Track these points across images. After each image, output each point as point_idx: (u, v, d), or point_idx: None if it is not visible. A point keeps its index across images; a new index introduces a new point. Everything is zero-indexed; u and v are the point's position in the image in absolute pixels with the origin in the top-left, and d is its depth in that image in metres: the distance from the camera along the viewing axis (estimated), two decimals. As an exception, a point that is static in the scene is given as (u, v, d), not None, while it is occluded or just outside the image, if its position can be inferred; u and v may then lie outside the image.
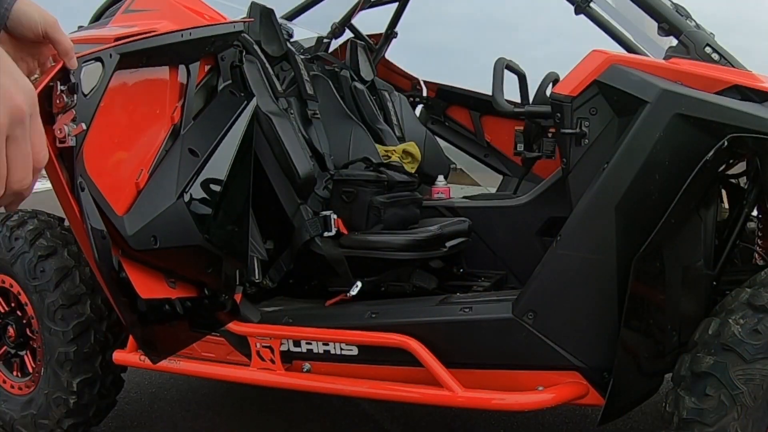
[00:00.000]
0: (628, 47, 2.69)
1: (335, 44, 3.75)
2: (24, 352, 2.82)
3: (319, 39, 3.70)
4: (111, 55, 1.79)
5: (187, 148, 2.15)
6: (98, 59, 1.75)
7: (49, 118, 1.58)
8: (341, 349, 2.31)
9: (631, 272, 1.85)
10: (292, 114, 2.77)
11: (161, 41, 1.98)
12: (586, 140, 2.04)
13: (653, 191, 1.88)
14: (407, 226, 2.69)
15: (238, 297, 2.45)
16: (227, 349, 2.53)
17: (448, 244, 2.59)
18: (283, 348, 2.38)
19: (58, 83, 1.54)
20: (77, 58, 1.57)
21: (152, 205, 1.98)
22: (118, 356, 2.64)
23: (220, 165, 2.26)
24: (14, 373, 2.85)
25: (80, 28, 2.78)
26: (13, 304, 2.78)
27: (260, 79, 2.63)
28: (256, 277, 2.52)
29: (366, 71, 3.55)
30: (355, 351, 2.30)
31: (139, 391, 3.48)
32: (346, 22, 3.67)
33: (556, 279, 2.04)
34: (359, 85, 3.38)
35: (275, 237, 2.67)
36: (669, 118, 1.85)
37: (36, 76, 1.42)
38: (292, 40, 3.54)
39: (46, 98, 1.55)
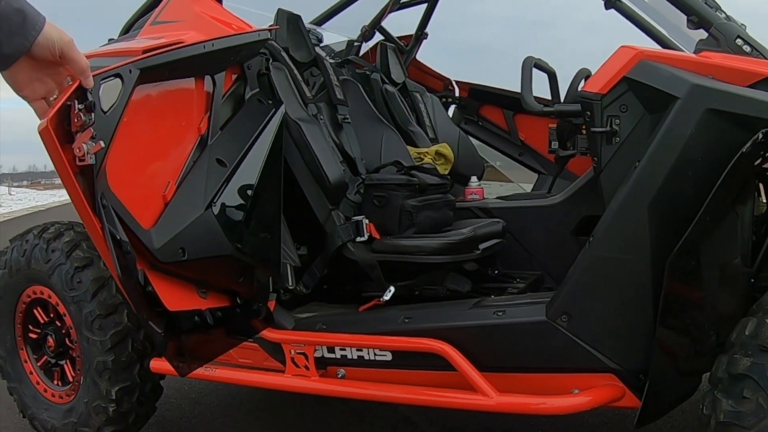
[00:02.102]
0: (661, 41, 2.63)
1: (366, 47, 3.75)
2: (64, 361, 2.87)
3: (350, 42, 3.71)
4: (130, 71, 1.80)
5: (215, 158, 2.16)
6: (117, 75, 1.76)
7: (68, 136, 1.60)
8: (375, 354, 2.30)
9: (665, 272, 1.80)
10: (321, 119, 2.77)
11: (182, 54, 1.99)
12: (617, 138, 2.00)
13: (687, 189, 1.83)
14: (441, 228, 2.66)
15: (271, 304, 2.46)
16: (263, 355, 2.53)
17: (482, 246, 2.56)
18: (318, 354, 2.38)
19: (76, 102, 1.55)
20: (96, 75, 1.59)
21: (180, 217, 1.99)
22: (156, 365, 2.67)
23: (249, 174, 2.27)
24: (55, 381, 2.91)
25: (110, 41, 2.83)
26: (52, 315, 2.83)
27: (288, 86, 2.63)
28: (290, 284, 2.53)
29: (397, 73, 3.54)
30: (389, 356, 2.28)
31: (179, 396, 3.53)
32: (375, 25, 3.67)
33: (589, 281, 2.00)
34: (390, 88, 3.37)
35: (309, 243, 2.68)
36: (700, 113, 1.80)
37: (55, 96, 1.44)
38: (322, 44, 3.55)
39: (64, 117, 1.57)
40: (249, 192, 2.26)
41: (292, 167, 2.55)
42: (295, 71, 2.76)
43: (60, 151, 1.58)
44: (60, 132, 1.57)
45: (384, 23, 3.74)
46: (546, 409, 2.06)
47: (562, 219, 2.67)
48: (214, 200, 2.10)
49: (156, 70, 1.92)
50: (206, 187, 2.09)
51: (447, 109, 3.86)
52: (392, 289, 2.44)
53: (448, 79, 3.99)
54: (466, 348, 2.14)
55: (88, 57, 2.72)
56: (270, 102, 2.50)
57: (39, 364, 2.93)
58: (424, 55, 4.06)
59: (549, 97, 2.73)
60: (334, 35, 3.73)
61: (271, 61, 2.61)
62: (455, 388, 2.16)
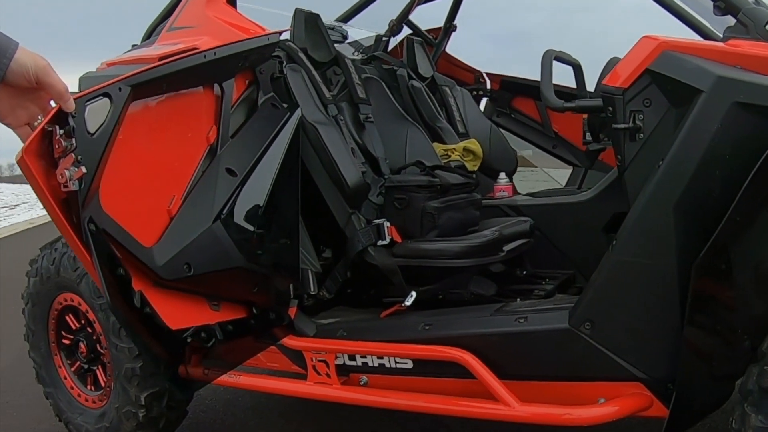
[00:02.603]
0: (698, 29, 2.49)
1: (394, 42, 3.67)
2: (96, 366, 2.88)
3: (378, 37, 3.64)
4: (120, 89, 1.75)
5: (224, 168, 2.12)
6: (105, 95, 1.71)
7: (53, 162, 1.56)
8: (396, 362, 2.24)
9: (692, 275, 1.69)
10: (342, 120, 2.71)
11: (179, 66, 1.94)
12: (641, 135, 1.89)
13: (714, 188, 1.71)
14: (466, 229, 2.58)
15: (292, 311, 2.42)
16: (289, 360, 2.50)
17: (508, 247, 2.47)
18: (339, 362, 2.33)
19: (57, 127, 1.52)
20: (80, 96, 1.55)
21: (185, 231, 1.94)
22: (183, 370, 2.66)
23: (261, 181, 2.22)
24: (88, 386, 2.93)
25: (134, 46, 2.82)
26: (83, 322, 2.85)
27: (305, 88, 2.58)
28: (312, 290, 2.49)
29: (424, 68, 3.45)
30: (409, 364, 2.22)
31: (214, 398, 3.53)
32: (403, 19, 3.60)
33: (613, 287, 1.89)
34: (417, 83, 3.29)
35: (333, 246, 2.63)
36: (727, 107, 1.67)
37: (38, 121, 1.41)
38: (349, 41, 3.48)
39: (47, 143, 1.53)
40: (262, 200, 2.21)
41: (311, 171, 2.49)
42: (314, 72, 2.70)
43: (38, 180, 1.55)
44: (43, 159, 1.54)
45: (412, 16, 3.65)
46: (571, 420, 1.97)
47: (592, 216, 2.56)
48: (223, 211, 2.05)
49: (150, 84, 1.87)
50: (214, 198, 2.05)
51: (478, 102, 3.76)
52: (414, 294, 2.37)
53: (479, 72, 3.88)
54: (487, 356, 2.06)
55: (109, 65, 2.71)
56: (285, 106, 2.44)
57: (72, 369, 2.95)
58: (466, 45, 3.97)
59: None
60: (362, 31, 3.66)
61: (285, 63, 2.55)
62: (477, 397, 2.09)
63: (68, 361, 2.96)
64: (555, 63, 2.34)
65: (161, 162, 1.98)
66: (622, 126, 1.89)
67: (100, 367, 2.88)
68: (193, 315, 2.00)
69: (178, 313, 1.94)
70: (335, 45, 3.16)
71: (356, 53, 3.64)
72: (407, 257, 2.40)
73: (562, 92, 2.31)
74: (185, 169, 2.04)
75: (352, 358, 2.31)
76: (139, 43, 2.85)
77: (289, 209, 2.38)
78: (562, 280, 2.64)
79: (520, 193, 3.29)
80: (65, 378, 2.96)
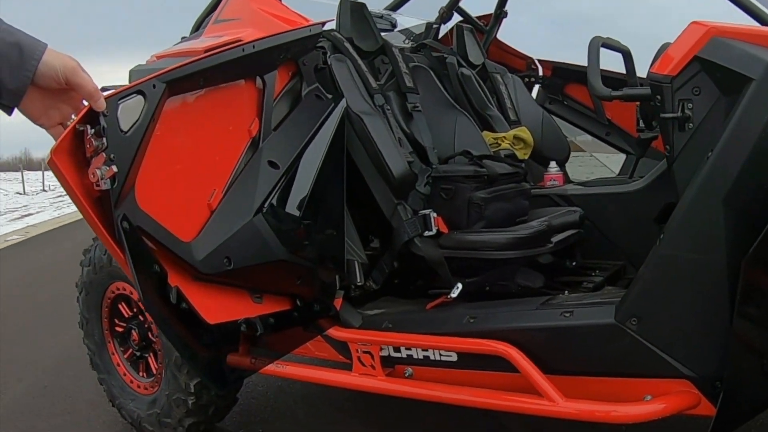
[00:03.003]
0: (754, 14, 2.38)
1: (445, 29, 3.63)
2: (148, 354, 2.95)
3: (428, 25, 3.60)
4: (154, 86, 1.74)
5: (267, 160, 2.12)
6: (139, 92, 1.71)
7: (86, 161, 1.58)
8: (440, 355, 2.22)
9: (742, 270, 1.63)
10: (389, 110, 2.69)
11: (217, 60, 1.94)
12: (691, 124, 1.82)
13: (765, 180, 1.64)
14: (515, 219, 2.54)
15: (338, 302, 2.43)
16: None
17: (556, 238, 2.42)
18: (384, 353, 2.33)
19: (88, 127, 1.53)
20: (113, 95, 1.56)
21: (225, 225, 1.95)
22: (232, 359, 2.69)
23: (305, 173, 2.22)
24: (140, 373, 3.00)
25: (183, 39, 2.85)
26: (135, 310, 2.92)
27: (350, 78, 2.57)
28: (358, 280, 2.49)
29: (475, 55, 3.41)
30: (454, 357, 2.20)
31: (266, 384, 3.58)
32: (453, 6, 3.55)
33: (660, 282, 1.84)
34: (466, 71, 3.24)
35: (379, 237, 2.62)
36: None
37: (71, 121, 1.43)
38: (400, 29, 3.46)
39: (80, 143, 1.55)
40: (306, 192, 2.21)
41: (356, 161, 2.49)
42: (360, 62, 2.69)
43: (68, 180, 1.56)
44: (73, 159, 1.55)
45: (462, 3, 3.60)
46: (617, 417, 1.92)
47: (644, 206, 2.48)
48: (264, 204, 2.05)
49: (186, 80, 1.87)
50: (256, 191, 2.05)
51: (530, 90, 3.70)
52: (460, 286, 2.34)
53: (531, 58, 3.81)
54: (531, 350, 2.02)
55: (158, 57, 2.75)
56: (330, 96, 2.44)
57: (125, 356, 3.03)
58: (521, 28, 3.90)
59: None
60: (412, 19, 3.63)
61: (329, 54, 2.55)
62: (522, 391, 2.06)
63: (121, 349, 3.04)
64: (604, 50, 2.27)
65: (201, 156, 1.98)
66: (671, 115, 1.83)
67: (151, 354, 2.95)
68: (233, 308, 2.00)
69: (216, 308, 1.95)
70: (384, 34, 3.14)
71: (407, 41, 3.62)
72: (453, 248, 2.38)
73: (613, 78, 2.25)
74: (226, 162, 2.04)
75: (396, 349, 2.31)
76: (188, 35, 2.88)
77: (335, 200, 2.37)
78: (612, 272, 2.58)
79: (573, 182, 3.23)
80: (118, 365, 3.04)
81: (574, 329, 1.97)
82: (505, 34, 3.91)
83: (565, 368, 2.01)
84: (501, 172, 2.53)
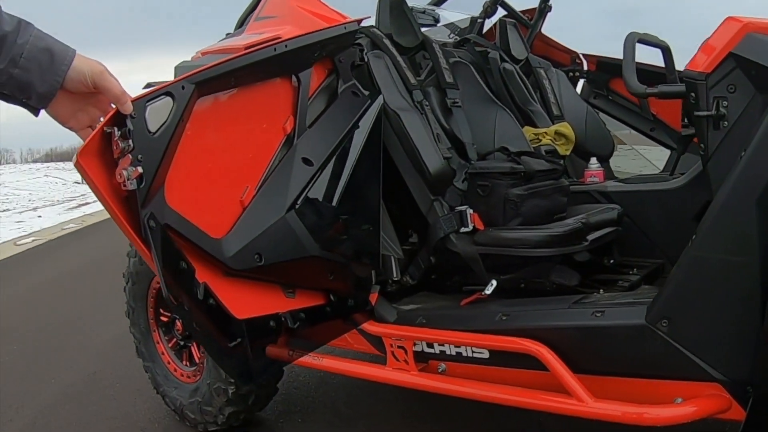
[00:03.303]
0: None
1: (490, 23, 3.61)
2: (191, 343, 3.02)
3: (473, 20, 3.59)
4: (183, 87, 1.77)
5: (301, 157, 2.14)
6: (168, 94, 1.74)
7: (114, 162, 1.62)
8: (472, 352, 2.23)
9: None
10: (427, 105, 2.70)
11: (247, 60, 1.96)
12: (725, 123, 1.78)
13: None
14: (552, 216, 2.53)
15: (374, 297, 2.45)
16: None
17: (593, 236, 2.40)
18: (417, 349, 2.35)
19: (115, 129, 1.57)
20: (141, 98, 1.60)
21: (257, 221, 1.97)
22: (271, 350, 2.74)
23: (340, 170, 2.24)
24: (183, 362, 3.08)
25: (227, 35, 2.90)
26: (179, 300, 2.99)
27: (388, 75, 2.58)
28: (395, 276, 2.51)
29: (518, 49, 3.38)
30: (486, 354, 2.21)
31: (307, 375, 3.64)
32: (497, 0, 3.52)
33: (691, 284, 1.80)
34: (509, 66, 3.22)
35: (417, 233, 2.63)
36: None
37: (98, 124, 1.48)
38: (444, 23, 3.46)
39: (108, 144, 1.59)
40: (340, 188, 2.23)
41: (394, 158, 2.51)
42: (398, 58, 2.70)
43: (94, 182, 1.59)
44: (100, 160, 1.59)
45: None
46: (647, 419, 1.89)
47: (683, 204, 2.44)
48: (298, 201, 2.08)
49: (216, 80, 1.90)
50: (289, 188, 2.08)
51: (575, 84, 3.65)
52: (494, 282, 2.35)
53: (576, 53, 3.76)
54: (562, 349, 2.01)
55: (203, 54, 2.80)
56: (367, 93, 2.46)
57: (169, 345, 3.11)
58: (575, 20, 3.85)
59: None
60: (456, 14, 3.62)
61: (366, 51, 2.56)
62: (553, 390, 2.05)
63: (166, 338, 3.12)
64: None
65: (233, 154, 2.01)
66: (705, 113, 1.80)
67: (194, 343, 3.01)
68: (263, 304, 2.03)
69: (246, 303, 1.98)
70: (427, 29, 3.15)
71: (452, 35, 3.61)
72: (488, 245, 2.38)
73: (655, 73, 2.21)
74: (260, 160, 2.07)
75: (430, 345, 2.32)
76: (232, 31, 2.93)
77: (371, 197, 2.39)
78: (650, 271, 2.54)
79: (617, 177, 3.19)
80: (162, 353, 3.12)
81: (604, 329, 1.96)
82: (557, 25, 3.87)
83: (596, 368, 2.00)
84: (538, 169, 2.51)
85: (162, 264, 1.65)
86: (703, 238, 1.77)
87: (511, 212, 2.43)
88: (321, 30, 2.24)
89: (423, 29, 3.23)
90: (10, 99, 1.33)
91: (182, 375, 3.07)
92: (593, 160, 2.96)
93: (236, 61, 1.92)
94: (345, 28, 2.32)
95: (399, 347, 2.38)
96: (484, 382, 2.23)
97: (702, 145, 1.85)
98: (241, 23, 2.93)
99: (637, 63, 2.30)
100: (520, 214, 2.42)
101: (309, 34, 2.18)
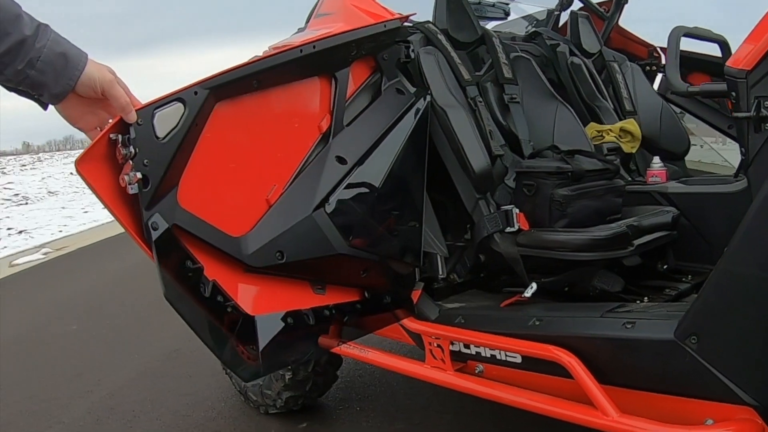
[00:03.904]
0: None
1: (566, 16, 3.50)
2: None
3: (550, 12, 3.49)
4: (196, 93, 1.79)
5: (335, 155, 2.14)
6: (179, 100, 1.76)
7: (119, 167, 1.66)
8: (506, 355, 2.18)
9: None
10: (481, 102, 2.64)
11: (269, 63, 1.96)
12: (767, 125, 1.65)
13: None
14: (605, 218, 2.43)
15: (416, 293, 2.43)
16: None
17: (640, 240, 2.29)
18: (455, 348, 2.32)
19: (120, 136, 1.61)
20: (149, 105, 1.65)
21: (281, 219, 1.98)
22: (322, 340, 2.78)
23: (376, 168, 2.23)
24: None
25: (299, 30, 2.94)
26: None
27: (438, 71, 2.55)
28: (440, 273, 2.48)
29: (590, 43, 3.26)
30: (518, 359, 2.15)
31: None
32: (573, -8, 3.40)
33: (722, 299, 1.68)
34: (577, 60, 3.11)
35: (465, 230, 2.60)
36: None
37: (106, 126, 1.54)
38: (520, 15, 3.39)
39: (113, 149, 1.63)
40: (376, 186, 2.21)
41: (441, 155, 2.48)
42: (452, 54, 2.65)
43: (93, 187, 1.63)
44: (101, 165, 1.63)
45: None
46: (676, 439, 1.80)
47: (746, 208, 2.28)
48: (327, 200, 2.08)
49: (234, 84, 1.90)
50: (318, 187, 2.08)
51: (652, 79, 3.47)
52: (534, 285, 2.29)
53: (653, 46, 3.57)
54: (590, 360, 1.94)
55: (274, 49, 2.86)
56: (413, 90, 2.44)
57: (236, 327, 3.19)
58: (684, 8, 3.66)
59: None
60: (532, 6, 3.53)
61: (420, 46, 2.54)
62: (580, 399, 1.98)
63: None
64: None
65: (261, 154, 2.02)
66: (744, 114, 1.67)
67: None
68: (286, 300, 2.04)
69: (261, 300, 1.99)
70: (500, 22, 3.09)
71: (529, 27, 3.52)
72: (529, 247, 2.31)
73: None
74: (291, 159, 2.08)
75: (467, 346, 2.29)
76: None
77: (412, 194, 2.37)
78: (705, 278, 2.40)
79: (691, 175, 3.03)
80: (231, 336, 3.21)
81: (633, 342, 1.86)
82: (669, 15, 3.69)
83: (625, 382, 1.91)
84: (588, 169, 2.41)
85: (162, 263, 1.69)
86: (735, 250, 1.65)
87: (556, 213, 2.35)
88: (354, 30, 2.23)
89: (494, 23, 3.17)
90: (23, 94, 1.42)
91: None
92: (656, 159, 2.82)
93: (257, 65, 1.93)
94: (384, 26, 2.30)
95: (437, 346, 2.35)
96: (516, 386, 2.18)
97: (743, 149, 1.72)
98: (308, 19, 2.97)
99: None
100: (566, 215, 2.34)
101: (340, 34, 2.18)
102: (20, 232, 12.08)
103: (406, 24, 2.67)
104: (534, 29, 3.33)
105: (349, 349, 2.67)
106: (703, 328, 1.71)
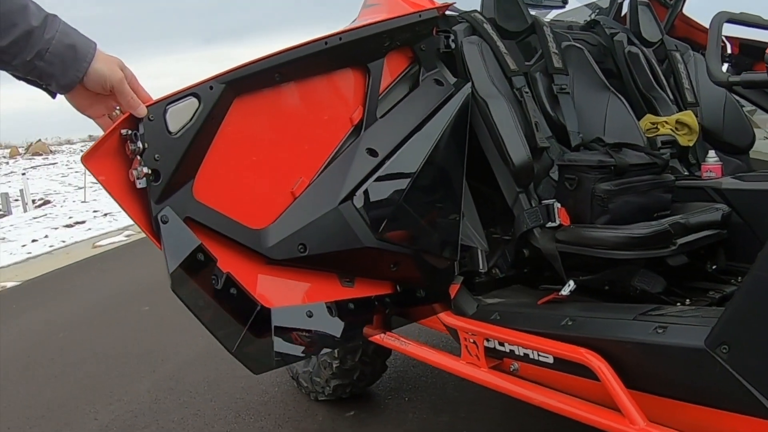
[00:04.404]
0: None
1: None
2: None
3: (612, 0, 3.36)
4: (211, 87, 1.78)
5: (366, 148, 2.11)
6: (193, 95, 1.75)
7: (129, 161, 1.67)
8: (538, 355, 2.13)
9: None
10: (527, 93, 2.56)
11: (292, 56, 1.93)
12: None
13: None
14: (651, 214, 2.33)
15: (454, 288, 2.40)
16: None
17: (685, 239, 2.18)
18: (489, 345, 2.28)
19: (129, 131, 1.62)
20: (160, 101, 1.66)
21: (305, 212, 1.96)
22: (366, 331, 2.77)
23: (409, 160, 2.19)
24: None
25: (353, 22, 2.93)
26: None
27: (481, 61, 2.48)
28: (481, 267, 2.44)
29: (650, 32, 3.12)
30: (550, 359, 2.09)
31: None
32: (635, -21, 3.26)
33: (754, 307, 1.58)
34: (634, 49, 2.99)
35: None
36: None
37: (117, 112, 1.56)
38: (583, 3, 3.29)
39: (121, 144, 1.64)
40: (408, 179, 2.17)
41: (483, 147, 2.42)
42: (498, 43, 2.58)
43: (100, 181, 1.66)
44: (110, 160, 1.65)
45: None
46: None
47: None
48: (355, 192, 2.05)
49: (254, 78, 1.88)
50: (346, 180, 2.05)
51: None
52: (571, 284, 2.22)
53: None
54: (620, 364, 1.87)
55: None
56: (452, 81, 2.39)
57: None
58: None
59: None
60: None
61: (453, 37, 2.48)
62: (610, 404, 1.91)
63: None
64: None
65: (287, 146, 2.00)
66: None
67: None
68: (309, 292, 2.03)
69: (281, 292, 1.97)
70: (560, 11, 3.01)
71: (593, 14, 3.41)
72: (567, 243, 2.24)
73: None
74: (319, 151, 2.06)
75: (501, 343, 2.24)
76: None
77: (449, 187, 2.32)
78: None
79: (755, 170, 2.88)
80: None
81: (663, 348, 1.78)
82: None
83: (654, 389, 1.83)
84: (632, 163, 2.31)
85: (171, 255, 1.70)
86: (767, 256, 1.55)
87: (598, 209, 2.26)
88: (385, 20, 2.19)
89: (555, 12, 3.09)
90: (31, 83, 1.45)
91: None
92: (711, 152, 2.67)
93: (278, 58, 1.91)
94: (420, 16, 2.26)
95: (472, 342, 2.32)
96: (548, 386, 2.13)
97: (784, 149, 1.61)
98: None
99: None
100: (608, 211, 2.25)
101: (369, 25, 2.14)
102: (105, 214, 12.61)
103: (451, 13, 2.62)
104: (594, 18, 3.22)
105: (390, 341, 2.67)
106: (734, 337, 1.62)
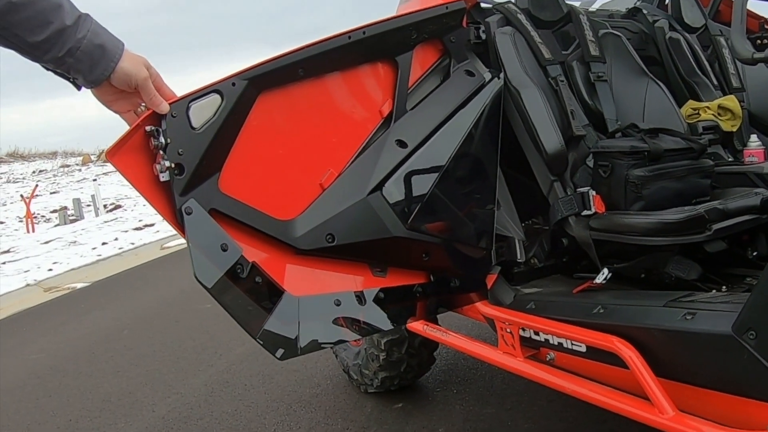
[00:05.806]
0: None
1: None
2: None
3: None
4: (234, 84, 1.83)
5: (395, 140, 2.14)
6: (216, 91, 1.80)
7: (153, 155, 1.74)
8: (572, 344, 2.12)
9: None
10: (563, 81, 2.55)
11: (316, 50, 1.97)
12: None
13: None
14: (689, 200, 2.28)
15: (491, 278, 2.41)
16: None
17: (720, 225, 2.13)
18: (525, 335, 2.28)
19: (152, 127, 1.69)
20: (183, 98, 1.72)
21: (333, 203, 2.00)
22: (411, 325, 2.79)
23: (440, 151, 2.21)
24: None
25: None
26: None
27: (514, 51, 2.48)
28: (519, 257, 2.45)
29: (693, 17, 3.06)
30: (583, 348, 2.08)
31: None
32: (678, -35, 3.19)
33: None
34: (675, 35, 2.94)
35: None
36: None
37: (141, 108, 1.64)
38: None
39: (144, 139, 1.72)
40: (439, 169, 2.19)
41: (518, 137, 2.43)
42: (533, 33, 2.57)
43: (125, 176, 1.73)
44: (134, 155, 1.72)
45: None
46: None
47: None
48: (384, 183, 2.08)
49: (277, 73, 1.92)
50: (375, 171, 2.08)
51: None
52: (606, 271, 2.20)
53: (765, 19, 3.28)
54: (649, 351, 1.85)
55: None
56: (484, 72, 2.40)
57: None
58: None
59: None
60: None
61: (482, 29, 2.49)
62: (636, 393, 1.90)
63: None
64: None
65: (315, 139, 2.04)
66: None
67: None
68: (337, 282, 2.06)
69: (308, 281, 2.00)
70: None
71: (636, 2, 3.37)
72: (600, 231, 2.22)
73: None
74: (348, 144, 2.09)
75: (536, 333, 2.24)
76: None
77: (482, 177, 2.34)
78: None
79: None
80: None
81: (691, 335, 1.74)
82: None
83: (683, 377, 1.80)
84: (667, 148, 2.27)
85: (196, 246, 1.76)
86: (792, 239, 1.52)
87: (632, 195, 2.23)
88: (409, 13, 2.21)
89: (600, 1, 3.06)
90: (59, 75, 1.54)
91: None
92: (753, 137, 2.60)
93: (301, 53, 1.95)
94: (447, 8, 2.27)
95: (508, 331, 2.32)
96: (582, 376, 2.12)
97: (809, 130, 1.57)
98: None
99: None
100: (642, 197, 2.22)
101: (393, 18, 2.17)
102: (174, 217, 12.91)
103: (485, 5, 2.63)
104: (637, 5, 3.17)
105: (431, 332, 2.68)
106: (760, 322, 1.58)
